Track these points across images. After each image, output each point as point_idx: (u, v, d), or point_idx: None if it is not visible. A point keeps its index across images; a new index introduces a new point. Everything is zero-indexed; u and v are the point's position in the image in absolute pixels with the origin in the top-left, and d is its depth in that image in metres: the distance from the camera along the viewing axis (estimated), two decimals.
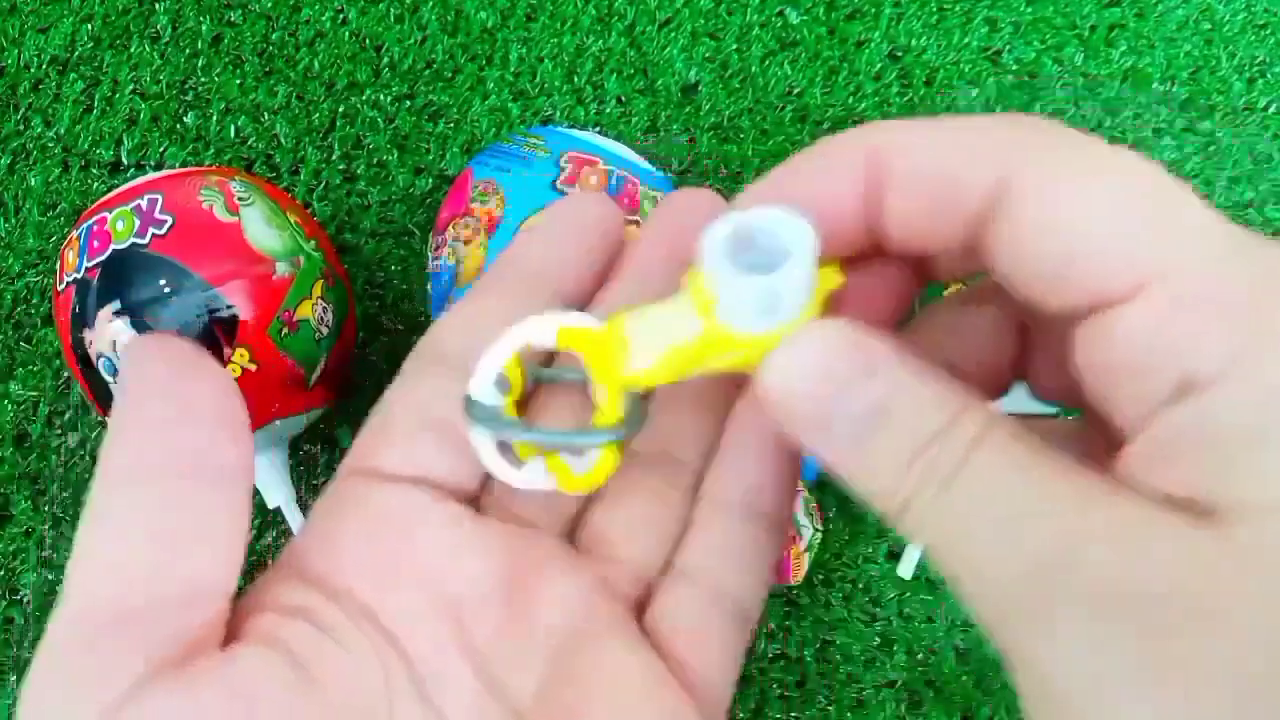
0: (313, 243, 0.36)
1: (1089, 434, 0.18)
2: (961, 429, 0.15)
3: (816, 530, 0.36)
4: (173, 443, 0.16)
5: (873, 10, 0.45)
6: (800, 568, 0.35)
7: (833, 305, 0.17)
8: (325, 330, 0.35)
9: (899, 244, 0.17)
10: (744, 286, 0.15)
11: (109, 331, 0.32)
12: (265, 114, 0.44)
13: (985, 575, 0.14)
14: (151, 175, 0.35)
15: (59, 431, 0.40)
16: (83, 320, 0.33)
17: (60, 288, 0.34)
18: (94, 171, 0.43)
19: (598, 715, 0.18)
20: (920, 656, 0.37)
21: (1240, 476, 0.13)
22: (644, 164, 0.36)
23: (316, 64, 0.45)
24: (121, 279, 0.32)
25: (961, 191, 0.15)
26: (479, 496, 0.20)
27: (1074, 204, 0.14)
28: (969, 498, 0.14)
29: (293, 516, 0.37)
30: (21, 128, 0.44)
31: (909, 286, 0.19)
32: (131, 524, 0.16)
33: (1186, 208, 0.14)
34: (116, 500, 0.16)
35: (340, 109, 0.44)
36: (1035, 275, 0.15)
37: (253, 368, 0.33)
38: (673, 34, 0.45)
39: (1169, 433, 0.14)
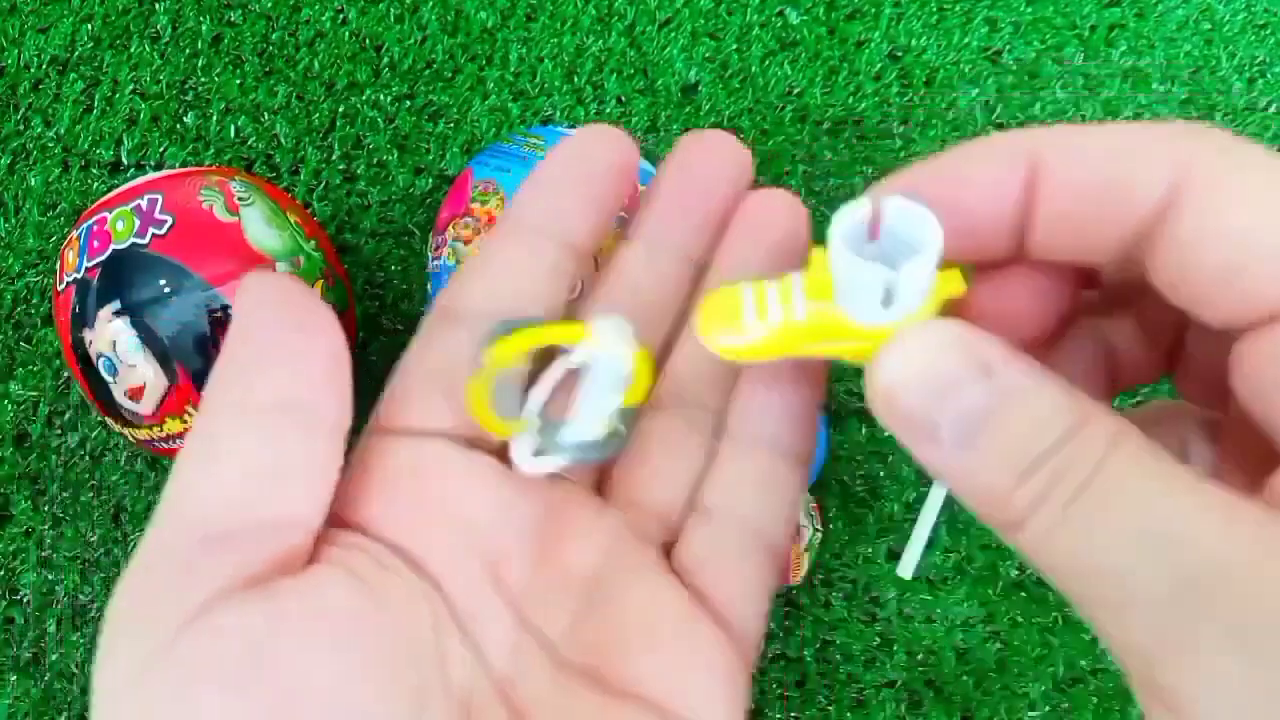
0: (313, 243, 0.36)
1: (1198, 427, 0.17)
2: (1089, 438, 0.14)
3: (816, 530, 0.36)
4: (281, 388, 0.17)
5: (873, 10, 0.45)
6: (800, 567, 0.35)
7: (969, 314, 0.16)
8: None
9: (1043, 252, 0.16)
10: (865, 274, 0.15)
11: (109, 331, 0.32)
12: (265, 114, 0.44)
13: (1126, 597, 0.13)
14: (151, 175, 0.35)
15: (59, 431, 0.40)
16: (83, 320, 0.33)
17: (60, 288, 0.34)
18: (94, 171, 0.43)
19: (633, 650, 0.18)
20: (920, 656, 0.37)
21: None
22: (644, 163, 0.36)
23: (316, 64, 0.45)
24: (121, 279, 0.32)
25: (1132, 196, 0.15)
26: (504, 448, 0.20)
27: (1251, 212, 0.14)
28: (1103, 512, 0.13)
29: None
30: (21, 128, 0.44)
31: (1059, 302, 0.17)
32: (231, 455, 0.16)
33: None
34: (221, 431, 0.17)
35: (340, 109, 0.44)
36: (1204, 284, 0.14)
37: None
38: (673, 34, 0.45)
39: None
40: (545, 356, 0.20)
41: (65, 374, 0.41)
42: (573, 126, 0.40)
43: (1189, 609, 0.13)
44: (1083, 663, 0.36)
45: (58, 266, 0.34)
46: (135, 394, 0.33)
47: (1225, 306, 0.14)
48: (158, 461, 0.40)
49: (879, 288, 0.15)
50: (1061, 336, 0.18)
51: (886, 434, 0.40)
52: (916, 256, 0.15)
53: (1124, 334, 0.19)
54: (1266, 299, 0.14)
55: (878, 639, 0.37)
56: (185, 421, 0.33)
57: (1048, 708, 0.37)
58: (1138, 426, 0.14)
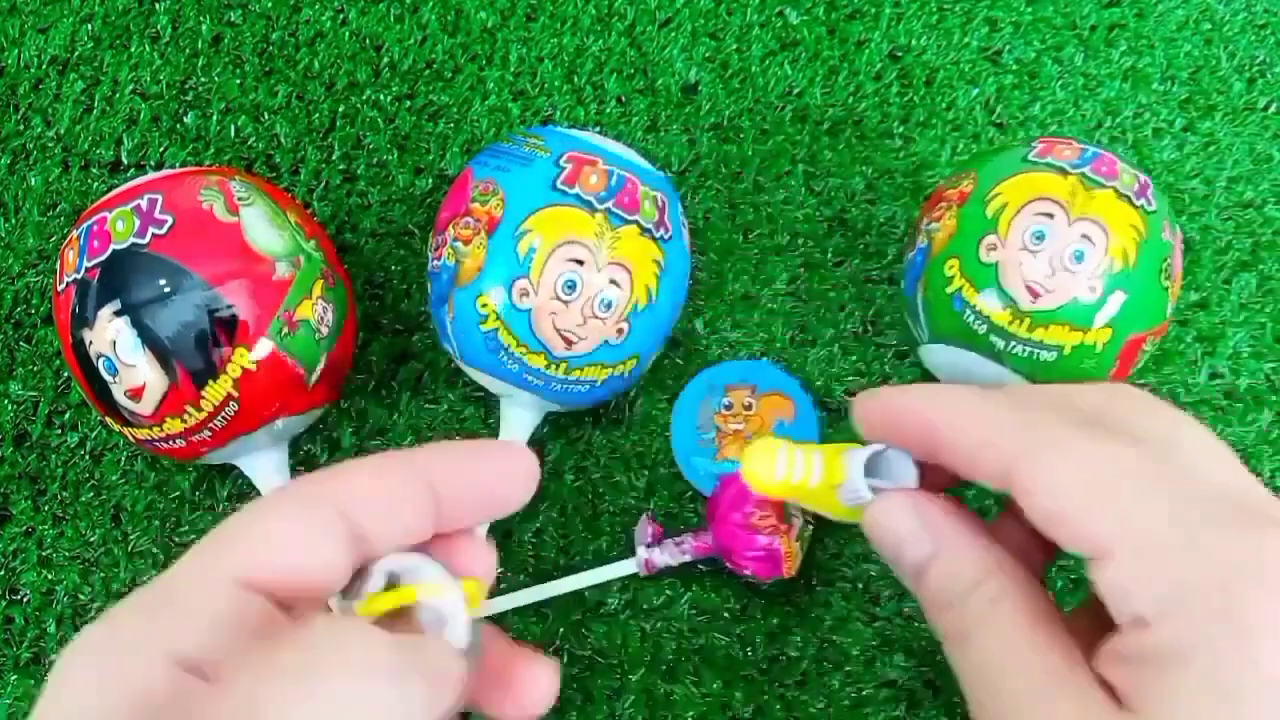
0: (313, 243, 0.36)
1: None
2: (979, 595, 0.22)
3: (808, 523, 0.36)
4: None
5: (873, 10, 0.45)
6: (794, 558, 0.35)
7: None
8: (325, 330, 0.35)
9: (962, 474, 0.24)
10: (862, 488, 0.25)
11: (109, 331, 0.32)
12: (265, 114, 0.44)
13: None
14: (151, 175, 0.35)
15: (59, 431, 0.40)
16: (83, 320, 0.33)
17: (60, 288, 0.34)
18: (94, 171, 0.43)
19: None
20: (920, 656, 0.37)
21: (1155, 693, 0.19)
22: (644, 163, 0.36)
23: (316, 64, 0.45)
24: (121, 279, 0.32)
25: (982, 465, 0.23)
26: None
27: (1055, 489, 0.21)
28: (980, 658, 0.22)
29: None
30: (21, 128, 0.44)
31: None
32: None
33: (1153, 489, 0.20)
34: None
35: (340, 109, 0.44)
36: (1040, 524, 0.22)
37: (252, 368, 0.33)
38: (673, 34, 0.45)
39: (1116, 652, 0.20)
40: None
41: (65, 374, 0.41)
42: (573, 126, 0.40)
43: None
44: None
45: (58, 266, 0.34)
46: (135, 394, 0.33)
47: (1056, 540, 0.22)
48: (158, 461, 0.40)
49: (867, 495, 0.25)
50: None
51: None
52: (898, 485, 0.25)
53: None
54: (1074, 546, 0.21)
55: (878, 639, 0.37)
56: (185, 421, 0.33)
57: None
58: None
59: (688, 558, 0.36)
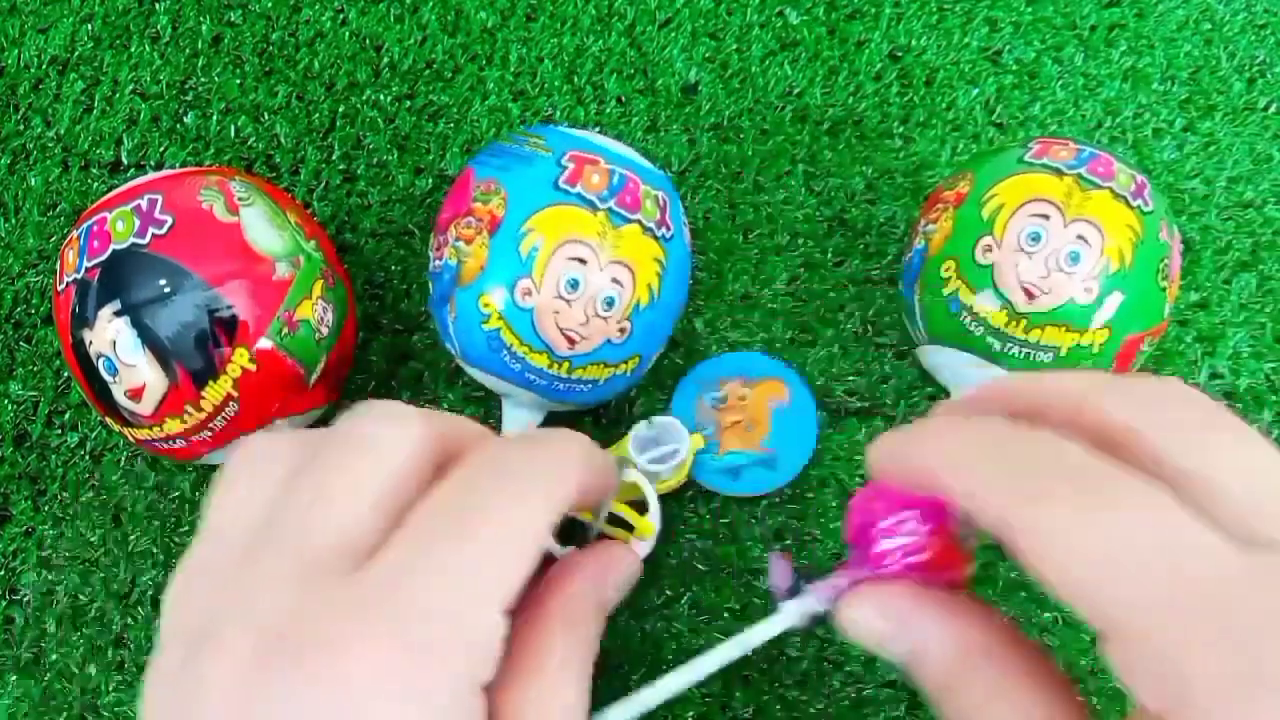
0: (313, 243, 0.36)
1: None
2: (981, 674, 0.21)
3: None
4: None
5: (873, 10, 0.45)
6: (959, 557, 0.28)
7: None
8: (325, 330, 0.35)
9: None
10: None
11: (109, 331, 0.32)
12: (265, 114, 0.44)
13: None
14: (151, 175, 0.35)
15: (59, 431, 0.40)
16: (83, 320, 0.33)
17: (60, 288, 0.34)
18: (94, 171, 0.43)
19: None
20: None
21: None
22: (645, 163, 0.36)
23: (316, 64, 0.45)
24: (121, 279, 0.32)
25: (980, 515, 0.20)
26: None
27: (1067, 549, 0.18)
28: None
29: None
30: (21, 128, 0.44)
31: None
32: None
33: (1163, 554, 0.17)
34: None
35: (340, 109, 0.44)
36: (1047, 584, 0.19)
37: (252, 368, 0.33)
38: (673, 34, 0.45)
39: None
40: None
41: (65, 374, 0.41)
42: (573, 126, 0.40)
43: None
44: (1083, 662, 0.36)
45: (58, 266, 0.34)
46: (135, 394, 0.33)
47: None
48: (158, 461, 0.40)
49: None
50: None
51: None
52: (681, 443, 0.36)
53: None
54: (1083, 613, 0.18)
55: None
56: (185, 421, 0.33)
57: None
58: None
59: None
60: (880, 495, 0.23)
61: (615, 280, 0.33)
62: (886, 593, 0.23)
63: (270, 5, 0.45)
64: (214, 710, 0.18)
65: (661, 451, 0.36)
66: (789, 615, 0.26)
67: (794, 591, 0.27)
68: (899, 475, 0.23)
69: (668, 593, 0.38)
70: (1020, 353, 0.33)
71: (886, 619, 0.22)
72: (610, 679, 0.37)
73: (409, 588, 0.18)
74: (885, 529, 0.23)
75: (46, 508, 0.40)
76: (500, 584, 0.19)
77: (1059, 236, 0.32)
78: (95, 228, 0.33)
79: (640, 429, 0.36)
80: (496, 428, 0.38)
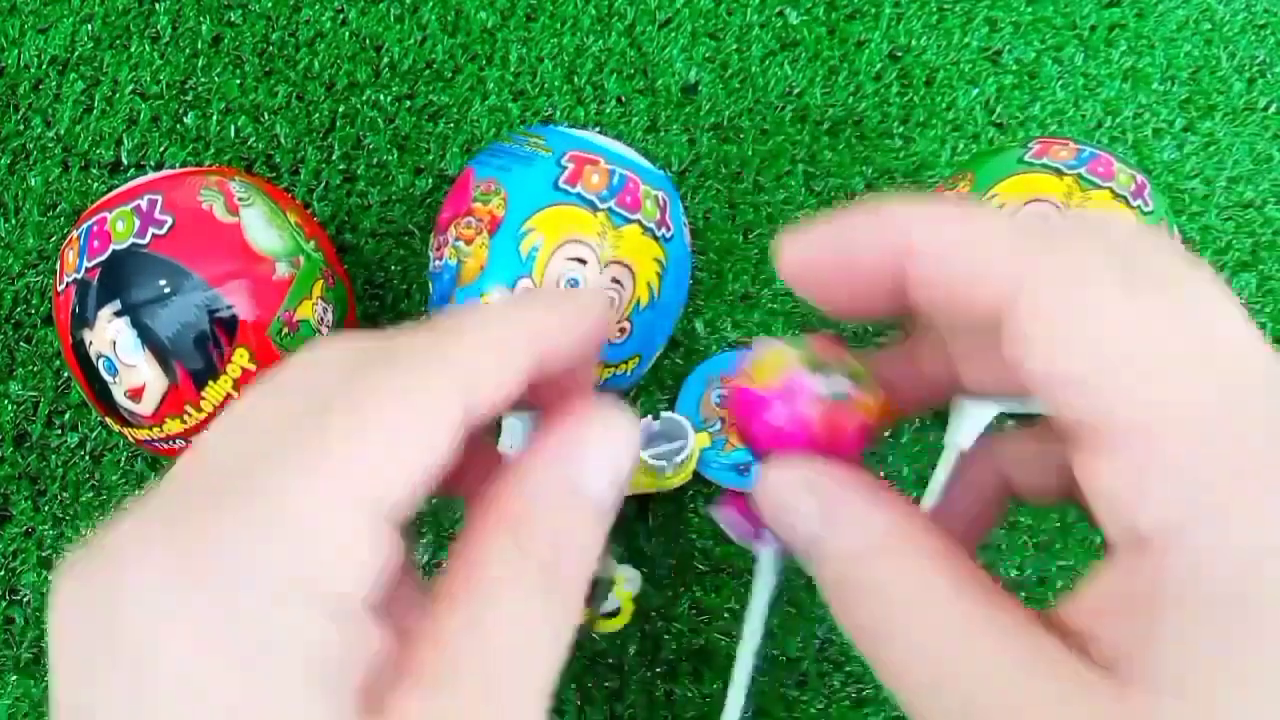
0: (313, 243, 0.36)
1: None
2: (891, 552, 0.17)
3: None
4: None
5: (873, 10, 0.45)
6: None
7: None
8: (325, 330, 0.35)
9: (920, 311, 0.18)
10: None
11: (109, 331, 0.32)
12: (265, 114, 0.44)
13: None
14: (151, 175, 0.35)
15: (59, 431, 0.40)
16: (83, 320, 0.33)
17: (60, 288, 0.34)
18: (94, 171, 0.43)
19: None
20: None
21: (1148, 652, 0.14)
22: (645, 163, 0.36)
23: (316, 64, 0.45)
24: (121, 279, 0.32)
25: (979, 289, 0.16)
26: None
27: (1068, 333, 0.15)
28: (887, 623, 0.16)
29: None
30: (21, 128, 0.44)
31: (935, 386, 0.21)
32: None
33: (1202, 340, 0.14)
34: None
35: (340, 109, 0.44)
36: (1036, 385, 0.15)
37: (252, 368, 0.33)
38: (673, 34, 0.45)
39: (1103, 591, 0.15)
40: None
41: (65, 374, 0.41)
42: (573, 126, 0.40)
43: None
44: None
45: (58, 267, 0.34)
46: (135, 394, 0.33)
47: (1051, 408, 0.16)
48: (158, 461, 0.40)
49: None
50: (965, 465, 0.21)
51: (886, 435, 0.40)
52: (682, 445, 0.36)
53: (1023, 455, 0.20)
54: (1074, 418, 0.15)
55: None
56: (185, 421, 0.33)
57: None
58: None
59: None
60: (740, 403, 0.22)
61: (615, 280, 0.33)
62: (817, 467, 0.19)
63: (270, 5, 0.45)
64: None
65: (666, 449, 0.36)
66: (767, 560, 0.24)
67: (758, 532, 0.24)
68: (837, 256, 0.18)
69: (668, 593, 0.38)
70: None
71: (806, 490, 0.19)
72: (608, 678, 0.37)
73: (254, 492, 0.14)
74: (767, 420, 0.22)
75: (46, 508, 0.40)
76: (369, 483, 0.15)
77: None
78: (95, 228, 0.33)
79: (646, 423, 0.36)
80: (496, 428, 0.38)
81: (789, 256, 0.18)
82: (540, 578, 0.16)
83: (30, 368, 0.41)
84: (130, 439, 0.35)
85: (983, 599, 0.16)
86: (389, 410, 0.15)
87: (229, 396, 0.33)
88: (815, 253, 0.18)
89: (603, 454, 0.18)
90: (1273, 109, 0.44)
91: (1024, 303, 0.15)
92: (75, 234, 0.34)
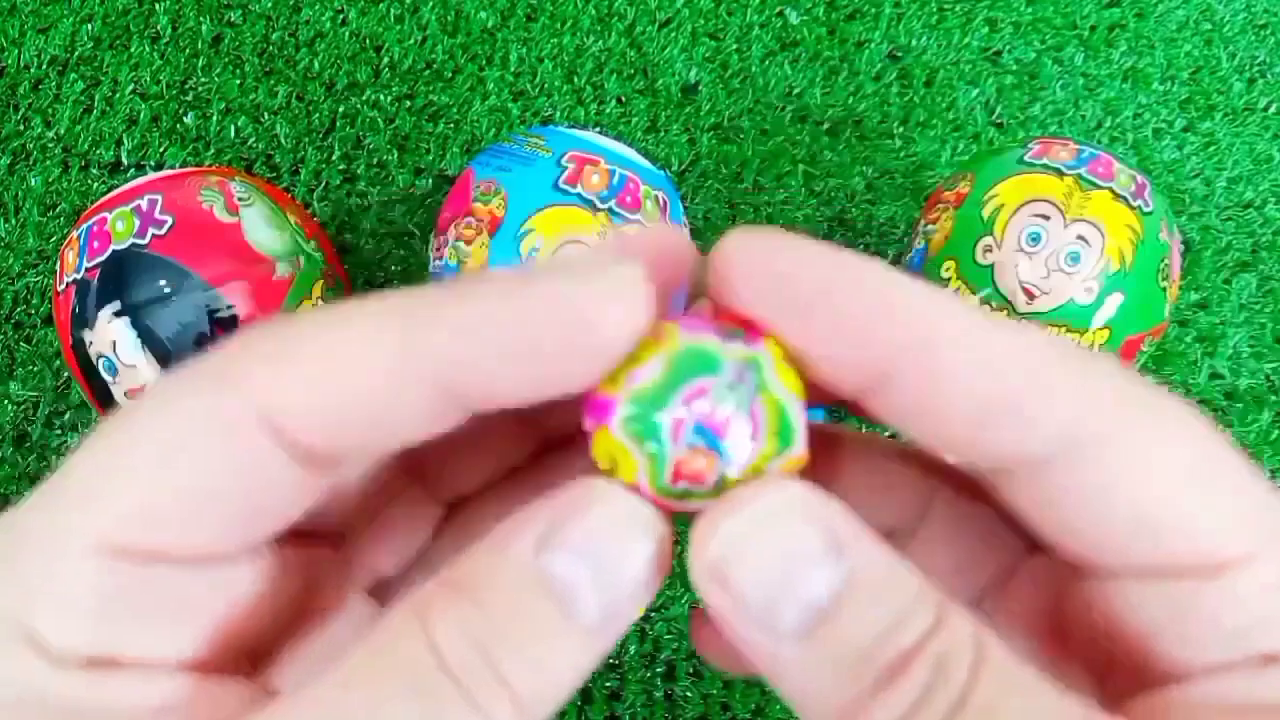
0: (313, 243, 0.36)
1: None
2: (954, 642, 0.12)
3: None
4: None
5: (873, 10, 0.45)
6: None
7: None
8: None
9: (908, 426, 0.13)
10: None
11: (109, 332, 0.32)
12: (265, 114, 0.44)
13: None
14: (151, 175, 0.35)
15: (59, 431, 0.40)
16: (83, 320, 0.33)
17: (60, 288, 0.34)
18: (94, 171, 0.43)
19: None
20: None
21: None
22: (645, 163, 0.36)
23: (316, 64, 0.45)
24: (121, 279, 0.32)
25: (1026, 432, 0.12)
26: None
27: (1157, 468, 0.13)
28: None
29: None
30: (21, 128, 0.44)
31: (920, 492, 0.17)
32: None
33: (1256, 479, 0.13)
34: None
35: (340, 109, 0.44)
36: (1093, 534, 0.13)
37: None
38: (673, 34, 0.45)
39: (1247, 695, 0.12)
40: None
41: (65, 374, 0.41)
42: (573, 126, 0.40)
43: None
44: None
45: (58, 267, 0.34)
46: (135, 394, 0.33)
47: (1113, 557, 0.13)
48: None
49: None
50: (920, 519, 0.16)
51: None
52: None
53: (984, 522, 0.16)
54: (1165, 557, 0.13)
55: None
56: None
57: None
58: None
59: None
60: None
61: None
62: (823, 494, 0.14)
63: (270, 5, 0.45)
64: None
65: None
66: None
67: None
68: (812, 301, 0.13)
69: (668, 593, 0.38)
70: None
71: (818, 527, 0.13)
72: (608, 678, 0.37)
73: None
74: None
75: None
76: (97, 515, 0.13)
77: (1059, 237, 0.32)
78: (95, 228, 0.33)
79: None
80: None
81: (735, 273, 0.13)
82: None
83: (30, 368, 0.41)
84: None
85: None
86: (142, 430, 0.13)
87: None
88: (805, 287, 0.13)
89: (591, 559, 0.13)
90: (1273, 109, 0.44)
91: (1112, 458, 0.12)
92: (75, 234, 0.34)
